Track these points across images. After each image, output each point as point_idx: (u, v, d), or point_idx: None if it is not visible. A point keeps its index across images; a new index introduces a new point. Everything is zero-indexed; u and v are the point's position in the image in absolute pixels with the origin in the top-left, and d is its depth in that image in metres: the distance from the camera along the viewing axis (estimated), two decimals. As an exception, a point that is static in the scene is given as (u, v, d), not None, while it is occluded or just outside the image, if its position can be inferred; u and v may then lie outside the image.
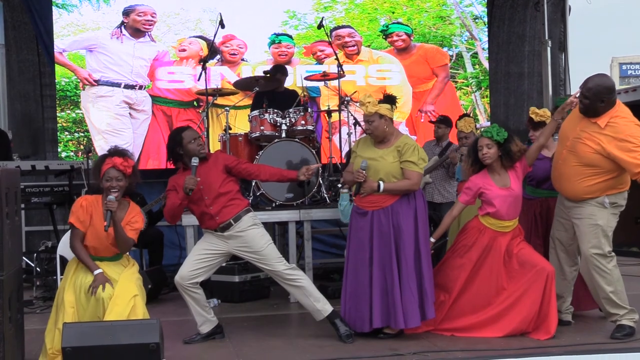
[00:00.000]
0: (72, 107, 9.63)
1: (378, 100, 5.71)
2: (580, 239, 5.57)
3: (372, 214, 5.64)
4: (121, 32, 9.67)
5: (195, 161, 5.58)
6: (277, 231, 8.44)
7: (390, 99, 5.77)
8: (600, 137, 5.38)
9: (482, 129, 5.94)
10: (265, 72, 8.48)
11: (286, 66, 8.80)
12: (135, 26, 9.72)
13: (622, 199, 5.57)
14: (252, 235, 5.67)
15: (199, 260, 5.69)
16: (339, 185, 6.36)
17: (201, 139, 5.76)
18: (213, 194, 5.64)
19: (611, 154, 5.33)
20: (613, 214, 5.54)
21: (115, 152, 5.16)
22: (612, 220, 5.54)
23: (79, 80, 9.58)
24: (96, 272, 4.96)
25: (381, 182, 5.54)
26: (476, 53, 10.62)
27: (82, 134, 9.66)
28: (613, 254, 5.54)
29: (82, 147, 9.52)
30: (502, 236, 5.73)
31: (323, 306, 5.69)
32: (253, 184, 7.43)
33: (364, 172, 5.57)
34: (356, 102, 5.96)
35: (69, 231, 5.19)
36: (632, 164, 5.28)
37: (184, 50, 9.84)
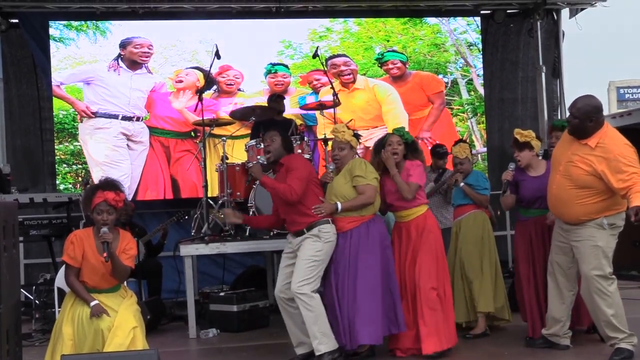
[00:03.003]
0: (70, 139, 9.67)
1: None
2: (581, 260, 5.58)
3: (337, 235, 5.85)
4: (118, 64, 9.75)
5: (261, 158, 5.99)
6: (275, 259, 8.44)
7: (355, 135, 6.07)
8: (591, 158, 5.44)
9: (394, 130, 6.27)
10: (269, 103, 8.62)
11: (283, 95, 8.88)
12: (132, 58, 9.80)
13: (620, 219, 5.59)
14: (307, 243, 5.72)
15: (286, 267, 5.89)
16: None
17: (269, 141, 5.97)
18: (281, 204, 5.89)
19: (602, 174, 5.38)
20: (612, 235, 5.56)
21: (107, 185, 5.14)
22: (611, 242, 5.56)
23: (76, 113, 9.63)
24: (92, 303, 4.96)
25: (338, 203, 5.76)
26: (471, 80, 10.69)
27: (80, 166, 9.69)
28: (614, 276, 5.55)
29: (80, 179, 9.56)
30: (407, 225, 6.03)
31: (317, 345, 5.63)
32: (251, 212, 7.44)
33: (331, 174, 5.95)
34: (353, 130, 6.08)
35: (65, 264, 5.19)
36: (618, 188, 5.33)
37: (180, 81, 9.90)
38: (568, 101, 10.48)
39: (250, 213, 7.41)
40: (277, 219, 6.10)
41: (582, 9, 10.44)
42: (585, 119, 5.49)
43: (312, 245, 5.69)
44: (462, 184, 6.79)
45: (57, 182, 9.64)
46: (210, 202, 7.83)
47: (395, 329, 5.83)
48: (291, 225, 5.86)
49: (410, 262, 5.95)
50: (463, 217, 6.84)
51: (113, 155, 9.64)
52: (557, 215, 5.80)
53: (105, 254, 4.91)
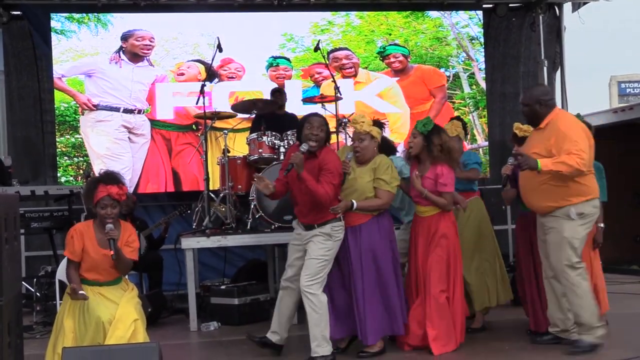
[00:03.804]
0: (71, 132, 9.66)
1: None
2: (549, 252, 5.66)
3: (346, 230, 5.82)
4: (120, 56, 9.72)
5: (304, 147, 5.66)
6: (277, 253, 8.45)
7: (378, 124, 5.97)
8: (543, 139, 5.56)
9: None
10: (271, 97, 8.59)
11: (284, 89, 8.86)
12: (133, 51, 9.78)
13: (591, 207, 5.61)
14: (317, 241, 5.67)
15: (295, 259, 5.85)
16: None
17: (319, 130, 5.67)
18: (301, 193, 5.72)
19: (551, 151, 5.46)
20: (581, 225, 5.58)
21: (109, 178, 5.14)
22: (579, 232, 5.58)
23: (78, 105, 9.61)
24: (79, 292, 4.96)
25: (354, 201, 5.72)
26: (473, 73, 10.67)
27: (82, 159, 9.68)
28: (582, 265, 5.57)
29: (81, 171, 9.55)
30: (422, 220, 6.00)
31: (315, 347, 5.62)
32: (252, 206, 7.46)
33: (349, 162, 5.83)
34: (376, 119, 6.07)
35: (66, 257, 5.20)
36: (564, 158, 5.39)
37: (182, 74, 9.88)
38: (569, 96, 10.55)
39: (252, 207, 7.42)
40: (286, 188, 5.96)
41: (585, 3, 10.42)
42: (534, 103, 5.68)
43: (322, 244, 5.65)
44: None
45: (58, 174, 9.64)
46: (212, 195, 7.83)
47: None
48: (303, 216, 5.79)
49: (423, 260, 5.94)
50: None
51: (114, 148, 9.63)
52: (529, 207, 5.88)
53: (112, 252, 4.93)
